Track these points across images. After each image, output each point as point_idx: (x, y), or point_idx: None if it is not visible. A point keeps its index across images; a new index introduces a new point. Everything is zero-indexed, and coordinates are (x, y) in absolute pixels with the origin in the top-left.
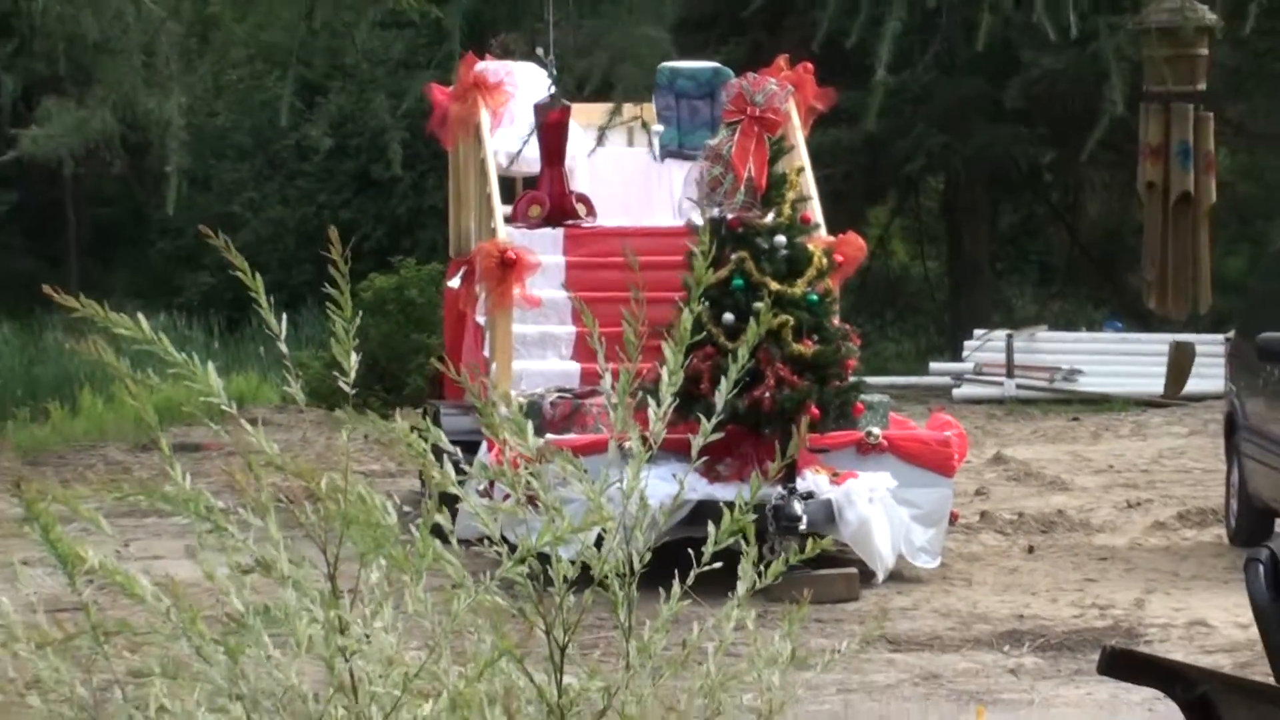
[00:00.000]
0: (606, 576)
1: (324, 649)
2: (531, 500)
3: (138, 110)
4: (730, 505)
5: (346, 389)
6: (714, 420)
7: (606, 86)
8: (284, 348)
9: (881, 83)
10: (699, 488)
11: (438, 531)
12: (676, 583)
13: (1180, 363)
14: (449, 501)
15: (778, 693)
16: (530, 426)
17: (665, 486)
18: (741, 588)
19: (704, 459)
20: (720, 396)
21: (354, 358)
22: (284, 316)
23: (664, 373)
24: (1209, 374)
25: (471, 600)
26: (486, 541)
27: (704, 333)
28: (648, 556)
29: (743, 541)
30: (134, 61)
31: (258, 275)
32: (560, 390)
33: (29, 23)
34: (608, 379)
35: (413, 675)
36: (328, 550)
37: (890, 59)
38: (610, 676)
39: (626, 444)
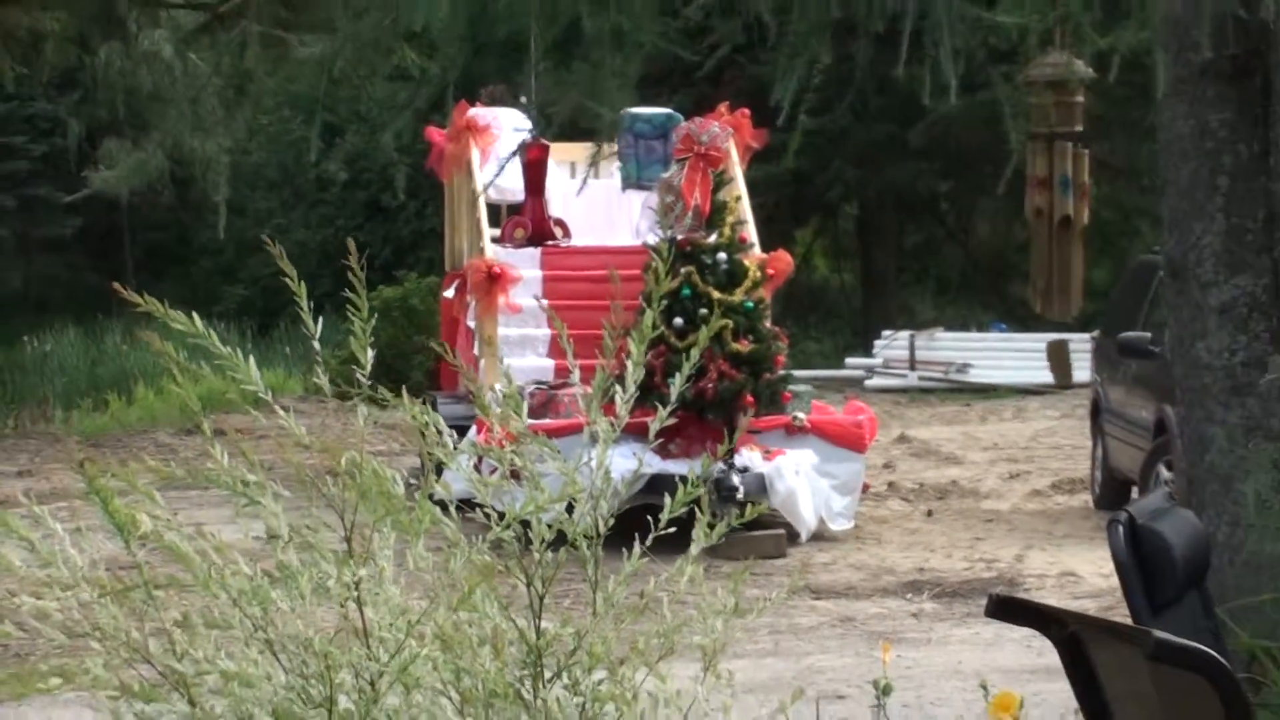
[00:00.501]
0: (578, 538)
1: (338, 599)
2: (514, 474)
3: (185, 150)
4: (683, 479)
5: (363, 380)
6: (669, 408)
7: (578, 130)
8: (316, 345)
9: (802, 127)
10: (653, 463)
11: (436, 501)
12: (637, 543)
13: (1058, 356)
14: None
15: (720, 635)
16: (525, 409)
17: (626, 463)
18: (695, 549)
19: (658, 439)
20: (675, 388)
21: (370, 353)
22: (319, 319)
23: (629, 365)
24: (1078, 366)
25: (466, 558)
26: (478, 508)
27: (657, 334)
28: (611, 521)
29: (696, 509)
30: (183, 109)
31: (302, 283)
32: (537, 383)
33: (92, 75)
34: (576, 374)
35: (415, 621)
36: (345, 516)
37: (789, 108)
38: (580, 622)
39: (596, 428)
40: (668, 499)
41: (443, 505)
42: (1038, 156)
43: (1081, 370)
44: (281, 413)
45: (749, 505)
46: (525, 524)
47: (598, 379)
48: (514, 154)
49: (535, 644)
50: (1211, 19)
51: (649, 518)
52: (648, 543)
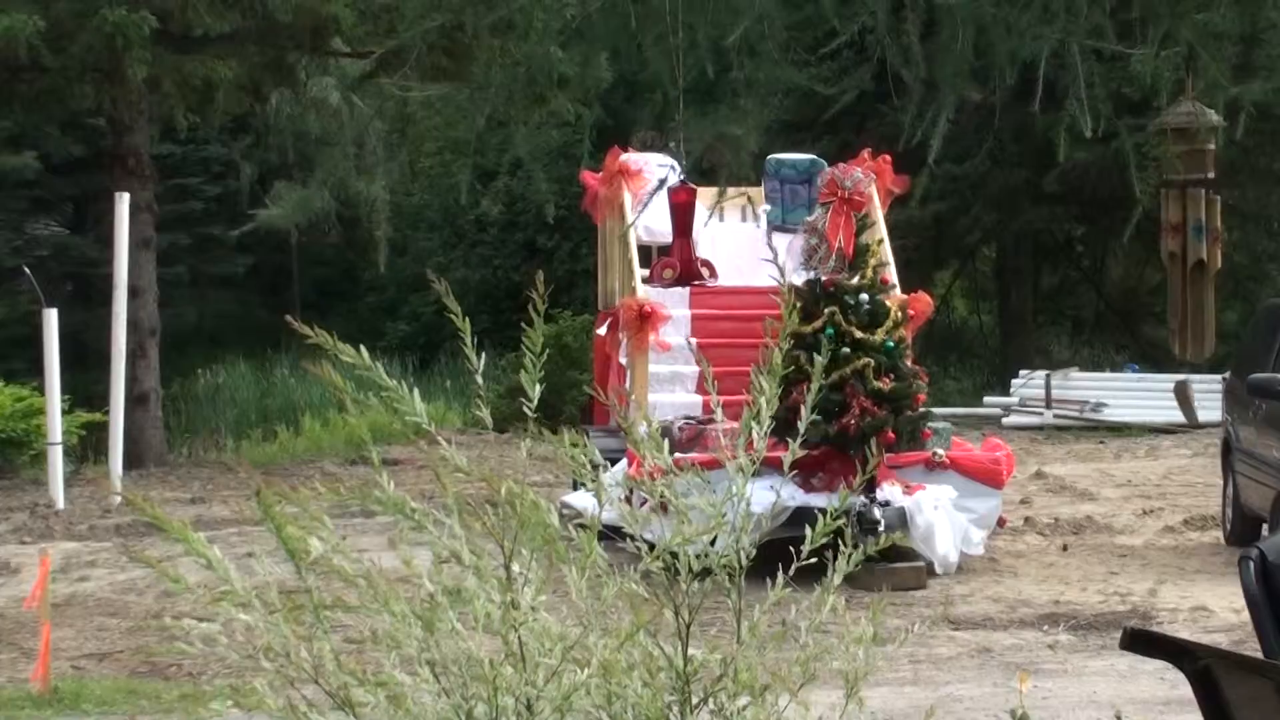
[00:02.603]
0: (720, 569)
1: (500, 625)
2: (662, 505)
3: (349, 191)
4: (824, 511)
5: (529, 412)
6: (799, 441)
7: (725, 174)
8: (479, 379)
9: (932, 169)
10: (798, 497)
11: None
12: (780, 573)
13: (1183, 395)
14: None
15: (861, 664)
16: (666, 444)
17: (768, 496)
18: (836, 578)
19: (802, 473)
20: (803, 424)
21: (538, 389)
22: (483, 355)
23: (762, 403)
24: (1209, 406)
25: (619, 587)
26: (628, 538)
27: (802, 373)
28: (753, 552)
29: (839, 540)
30: (347, 152)
31: (467, 319)
32: (687, 417)
33: (263, 121)
34: (719, 411)
35: (570, 647)
36: (504, 544)
37: (939, 153)
38: (725, 649)
39: (739, 461)
40: (810, 532)
41: (600, 535)
42: (1171, 202)
43: (1211, 410)
44: (443, 443)
45: (885, 537)
46: (673, 554)
47: (745, 417)
48: (657, 190)
49: (683, 670)
50: None
51: (791, 549)
52: (790, 573)
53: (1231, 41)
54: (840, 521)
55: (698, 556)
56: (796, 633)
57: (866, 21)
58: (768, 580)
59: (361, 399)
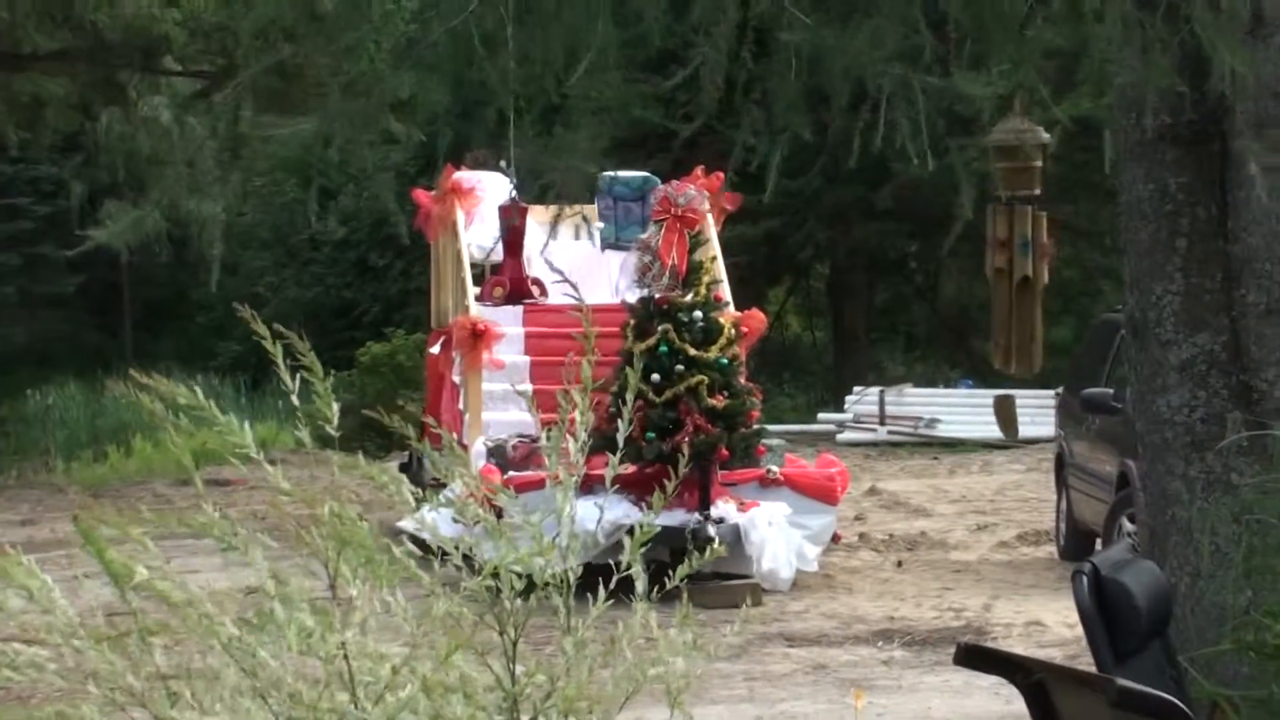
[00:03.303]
0: (549, 586)
1: (323, 648)
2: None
3: (182, 211)
4: (668, 529)
5: (332, 432)
6: (619, 456)
7: (556, 194)
8: (295, 400)
9: (772, 190)
10: (633, 515)
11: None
12: (602, 588)
13: (1005, 411)
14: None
15: (683, 675)
16: (471, 468)
17: (592, 513)
18: (639, 587)
19: (637, 491)
20: (619, 436)
21: (335, 407)
22: (298, 376)
23: (577, 417)
24: (1042, 421)
25: (447, 607)
26: (446, 559)
27: (619, 386)
28: (580, 570)
29: (637, 559)
30: (180, 171)
31: (278, 343)
32: (520, 436)
33: (94, 139)
34: (543, 431)
35: (397, 669)
36: (329, 565)
37: (778, 176)
38: (557, 667)
39: (561, 479)
40: (626, 543)
41: (421, 545)
42: (998, 219)
43: (1044, 426)
44: (269, 468)
45: (708, 551)
46: (495, 574)
47: (554, 436)
48: (505, 231)
49: (510, 690)
50: (1157, 91)
51: (611, 564)
52: (611, 585)
53: (1052, 58)
54: (652, 533)
55: (520, 576)
56: (621, 648)
57: (706, 53)
58: (591, 598)
59: (186, 425)
